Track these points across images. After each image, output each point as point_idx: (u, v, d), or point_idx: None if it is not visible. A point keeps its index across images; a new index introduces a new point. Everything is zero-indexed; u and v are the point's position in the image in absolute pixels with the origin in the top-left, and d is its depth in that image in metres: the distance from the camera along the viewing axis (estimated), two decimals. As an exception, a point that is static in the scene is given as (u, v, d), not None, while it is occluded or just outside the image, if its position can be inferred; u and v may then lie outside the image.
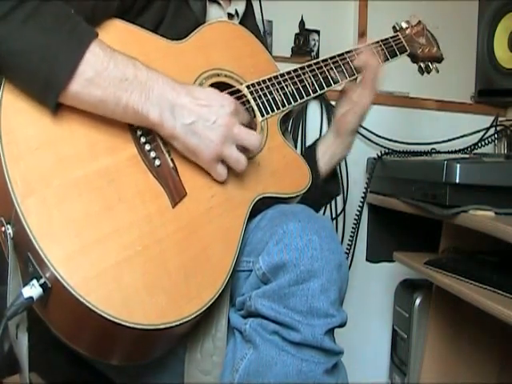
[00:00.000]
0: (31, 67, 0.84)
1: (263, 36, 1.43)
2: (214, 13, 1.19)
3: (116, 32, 0.97)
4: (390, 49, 1.32)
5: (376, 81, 1.24)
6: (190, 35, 1.08)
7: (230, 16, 1.22)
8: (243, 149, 0.97)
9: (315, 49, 2.08)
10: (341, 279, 0.92)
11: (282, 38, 2.03)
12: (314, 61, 1.21)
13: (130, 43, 0.98)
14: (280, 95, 1.13)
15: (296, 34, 2.06)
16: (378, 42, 1.30)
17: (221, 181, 0.98)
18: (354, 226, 1.94)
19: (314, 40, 2.07)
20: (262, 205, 1.04)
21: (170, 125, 0.91)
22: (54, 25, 0.85)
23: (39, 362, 1.00)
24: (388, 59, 1.31)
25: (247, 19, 1.26)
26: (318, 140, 1.31)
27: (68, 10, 0.88)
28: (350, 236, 1.95)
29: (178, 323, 0.85)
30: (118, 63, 0.88)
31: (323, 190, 1.26)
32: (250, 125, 1.06)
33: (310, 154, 1.28)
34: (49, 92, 0.85)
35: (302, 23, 2.07)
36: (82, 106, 0.89)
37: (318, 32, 2.08)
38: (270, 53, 1.23)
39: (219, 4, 1.20)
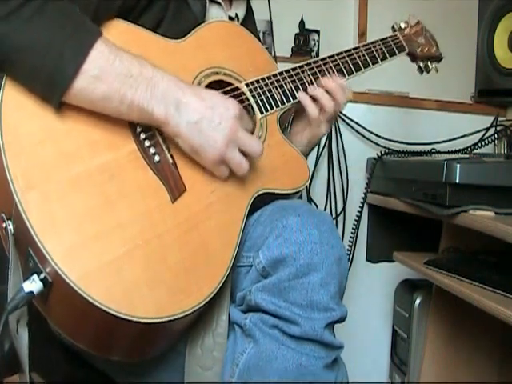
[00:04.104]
0: (36, 64, 0.84)
1: (262, 40, 1.43)
2: (215, 13, 1.19)
3: (116, 31, 0.98)
4: (389, 48, 1.32)
5: (335, 116, 1.20)
6: (190, 34, 1.08)
7: (231, 19, 1.22)
8: (244, 154, 0.97)
9: (315, 49, 2.08)
10: (340, 273, 0.93)
11: (282, 38, 2.03)
12: (313, 59, 1.21)
13: (130, 42, 0.98)
14: (279, 93, 1.14)
15: (296, 34, 2.07)
16: (376, 41, 1.31)
17: (221, 179, 0.98)
18: (354, 226, 1.94)
19: (314, 40, 2.08)
20: (262, 201, 1.04)
21: (175, 122, 0.91)
22: (60, 23, 0.86)
23: (39, 361, 1.00)
24: (387, 58, 1.31)
25: (247, 24, 1.26)
26: None
27: (73, 9, 0.88)
28: (350, 236, 1.95)
29: (177, 317, 0.85)
30: (123, 60, 0.88)
31: None
32: (252, 131, 1.08)
33: None
34: (53, 89, 0.85)
35: (302, 23, 2.07)
36: (87, 104, 0.89)
37: (318, 32, 2.09)
38: (270, 54, 1.24)
39: (219, 4, 1.20)
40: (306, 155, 1.24)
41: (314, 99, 1.16)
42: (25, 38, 0.83)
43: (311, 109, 1.16)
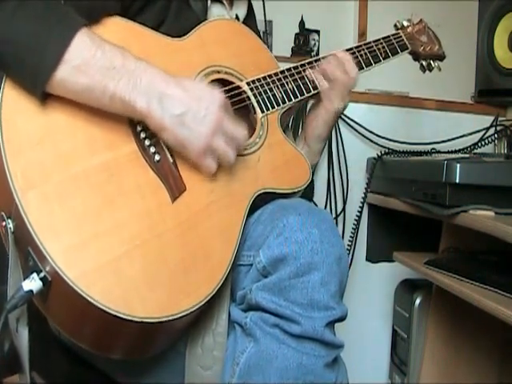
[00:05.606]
0: (20, 56, 0.85)
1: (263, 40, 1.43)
2: (217, 12, 1.19)
3: (116, 28, 0.98)
4: (391, 46, 1.32)
5: (347, 89, 1.19)
6: (191, 32, 1.08)
7: None
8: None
9: (315, 49, 2.08)
10: (341, 272, 0.93)
11: (282, 38, 2.04)
12: (315, 58, 1.21)
13: (130, 40, 0.98)
14: (280, 92, 1.14)
15: (296, 34, 2.06)
16: (379, 40, 1.31)
17: (210, 173, 0.96)
18: (354, 226, 1.94)
19: (314, 40, 2.08)
20: (262, 200, 1.04)
21: (158, 115, 0.89)
22: (43, 14, 0.86)
23: (39, 361, 1.00)
24: (389, 57, 1.31)
25: (248, 24, 1.26)
26: None
27: (57, 2, 0.88)
28: (350, 236, 1.96)
29: (176, 317, 0.84)
30: (105, 51, 0.88)
31: None
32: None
33: None
34: (36, 80, 0.85)
35: (302, 23, 2.07)
36: (69, 94, 0.88)
37: (318, 32, 2.09)
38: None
39: (221, 3, 1.20)
40: (325, 138, 1.25)
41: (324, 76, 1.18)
42: (8, 31, 0.83)
43: (320, 80, 1.17)
